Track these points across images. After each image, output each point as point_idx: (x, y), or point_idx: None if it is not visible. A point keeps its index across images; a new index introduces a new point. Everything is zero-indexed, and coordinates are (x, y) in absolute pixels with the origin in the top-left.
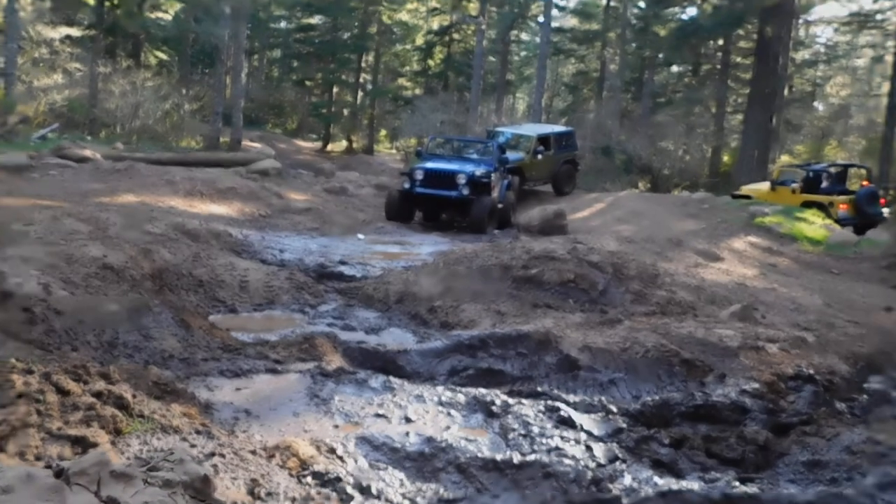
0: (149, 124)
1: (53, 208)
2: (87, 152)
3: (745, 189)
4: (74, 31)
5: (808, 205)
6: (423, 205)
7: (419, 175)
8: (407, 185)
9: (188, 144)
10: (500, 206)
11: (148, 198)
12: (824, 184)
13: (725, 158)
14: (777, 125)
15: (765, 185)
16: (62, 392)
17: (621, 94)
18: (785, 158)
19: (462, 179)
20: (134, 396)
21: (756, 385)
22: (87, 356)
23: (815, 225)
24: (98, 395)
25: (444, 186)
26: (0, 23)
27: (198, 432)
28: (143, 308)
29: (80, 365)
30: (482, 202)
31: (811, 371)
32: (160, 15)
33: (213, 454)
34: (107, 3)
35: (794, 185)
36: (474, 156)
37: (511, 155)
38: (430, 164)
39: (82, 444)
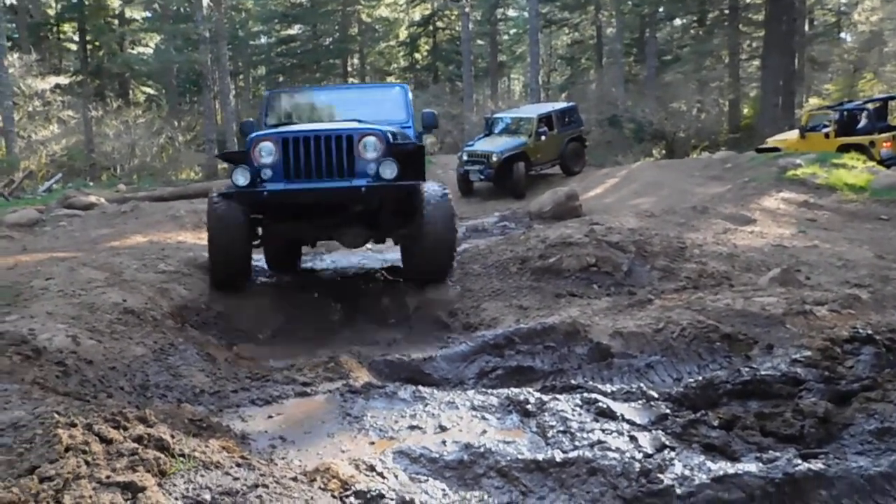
0: (146, 161)
1: (69, 259)
2: (93, 198)
3: (772, 141)
4: (62, 80)
5: (845, 148)
6: (291, 226)
7: (267, 152)
8: (242, 181)
9: (188, 176)
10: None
11: (156, 236)
12: (862, 122)
13: (746, 111)
14: (800, 66)
15: (794, 134)
16: (105, 441)
17: (623, 59)
18: (813, 101)
19: (371, 148)
20: (172, 437)
21: (808, 353)
22: (122, 402)
23: (855, 170)
24: (139, 439)
25: (336, 170)
26: None
27: (238, 465)
28: (168, 347)
29: (118, 412)
30: (432, 197)
31: (869, 331)
32: (141, 50)
33: (256, 486)
34: (89, 47)
35: (827, 129)
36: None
37: (513, 140)
38: (294, 127)
39: (132, 490)
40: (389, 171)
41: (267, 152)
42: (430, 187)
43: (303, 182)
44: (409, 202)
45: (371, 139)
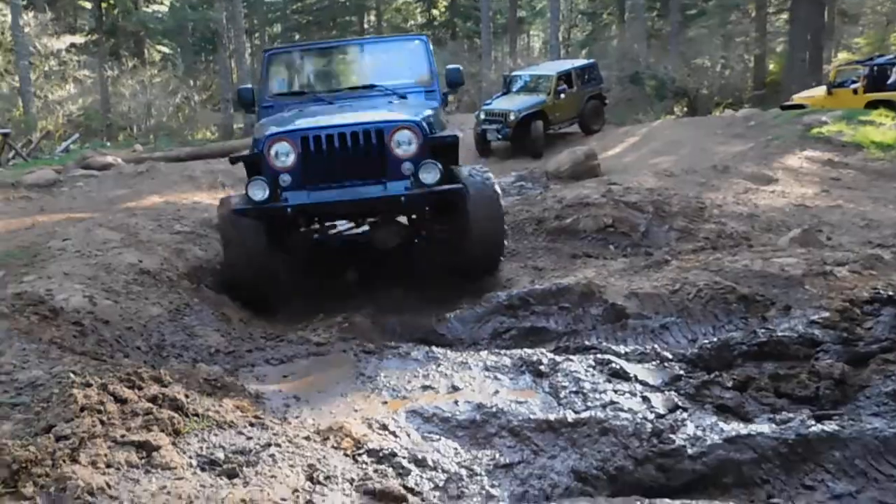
0: (163, 121)
1: (85, 220)
2: (109, 158)
3: (798, 98)
4: (78, 38)
5: (873, 105)
6: (313, 233)
7: (284, 153)
8: (260, 196)
9: (203, 136)
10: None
11: (172, 197)
12: (892, 78)
13: (772, 67)
14: (830, 19)
15: (820, 90)
16: (120, 400)
17: (645, 14)
18: (843, 56)
19: (405, 144)
20: (187, 396)
21: (826, 314)
22: (138, 361)
23: (883, 127)
24: (153, 399)
25: (367, 170)
26: (8, 41)
27: (251, 424)
28: (183, 308)
29: (133, 372)
30: (476, 189)
31: (890, 292)
32: (156, 8)
33: (269, 445)
34: (103, 5)
35: (856, 85)
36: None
37: (531, 98)
38: (313, 120)
39: (146, 448)
40: (431, 175)
41: (284, 153)
42: (472, 177)
43: (328, 189)
44: (450, 201)
45: (405, 133)
